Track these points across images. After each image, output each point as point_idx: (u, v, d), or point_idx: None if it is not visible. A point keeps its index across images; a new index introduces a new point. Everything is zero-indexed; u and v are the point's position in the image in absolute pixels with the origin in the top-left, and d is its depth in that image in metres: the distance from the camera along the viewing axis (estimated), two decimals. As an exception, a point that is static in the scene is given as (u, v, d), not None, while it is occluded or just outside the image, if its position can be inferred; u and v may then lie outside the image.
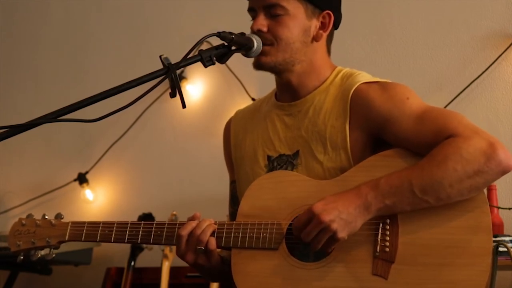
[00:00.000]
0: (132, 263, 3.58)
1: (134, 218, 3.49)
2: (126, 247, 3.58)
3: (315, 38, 2.13)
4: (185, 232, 2.03)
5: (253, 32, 2.10)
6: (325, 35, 2.14)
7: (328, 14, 2.13)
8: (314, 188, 2.01)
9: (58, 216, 2.20)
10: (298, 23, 2.10)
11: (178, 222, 2.08)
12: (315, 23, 2.12)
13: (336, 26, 2.19)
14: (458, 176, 1.87)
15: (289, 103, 2.16)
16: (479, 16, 3.46)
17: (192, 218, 2.07)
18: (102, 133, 4.11)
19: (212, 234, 2.03)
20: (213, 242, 2.02)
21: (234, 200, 2.28)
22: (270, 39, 2.09)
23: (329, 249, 1.94)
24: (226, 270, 2.08)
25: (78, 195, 4.11)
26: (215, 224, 2.05)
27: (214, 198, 3.66)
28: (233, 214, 2.28)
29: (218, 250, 2.08)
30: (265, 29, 2.09)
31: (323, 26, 2.13)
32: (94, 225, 2.13)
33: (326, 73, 2.16)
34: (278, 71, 2.13)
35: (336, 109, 2.08)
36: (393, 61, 3.61)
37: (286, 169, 2.10)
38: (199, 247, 2.02)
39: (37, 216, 2.24)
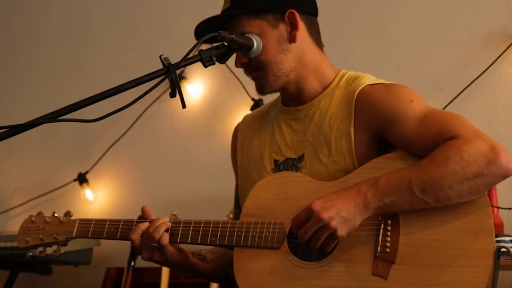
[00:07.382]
0: (132, 263, 3.58)
1: (134, 218, 3.48)
2: (126, 247, 3.58)
3: (291, 40, 2.13)
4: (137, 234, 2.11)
5: (237, 68, 2.14)
6: (298, 33, 2.13)
7: (291, 13, 2.12)
8: (318, 189, 2.01)
9: (67, 214, 2.24)
10: (268, 38, 2.10)
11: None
12: (284, 28, 2.13)
13: (313, 13, 2.18)
14: (458, 177, 1.87)
15: (295, 107, 2.18)
16: (479, 16, 3.46)
17: (143, 214, 2.15)
18: (102, 133, 4.11)
19: (166, 231, 2.08)
20: (165, 238, 2.07)
21: (237, 203, 2.31)
22: (256, 66, 2.12)
23: (329, 248, 1.94)
24: (196, 264, 2.16)
25: (78, 195, 4.10)
26: (170, 222, 2.10)
27: (214, 198, 3.67)
28: (236, 217, 2.30)
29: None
30: (246, 60, 2.11)
31: (293, 26, 2.13)
32: (100, 222, 2.17)
33: (328, 75, 2.17)
34: (278, 88, 2.15)
35: (341, 112, 2.09)
36: (393, 61, 3.61)
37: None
38: (152, 244, 2.07)
39: (41, 215, 2.25)
